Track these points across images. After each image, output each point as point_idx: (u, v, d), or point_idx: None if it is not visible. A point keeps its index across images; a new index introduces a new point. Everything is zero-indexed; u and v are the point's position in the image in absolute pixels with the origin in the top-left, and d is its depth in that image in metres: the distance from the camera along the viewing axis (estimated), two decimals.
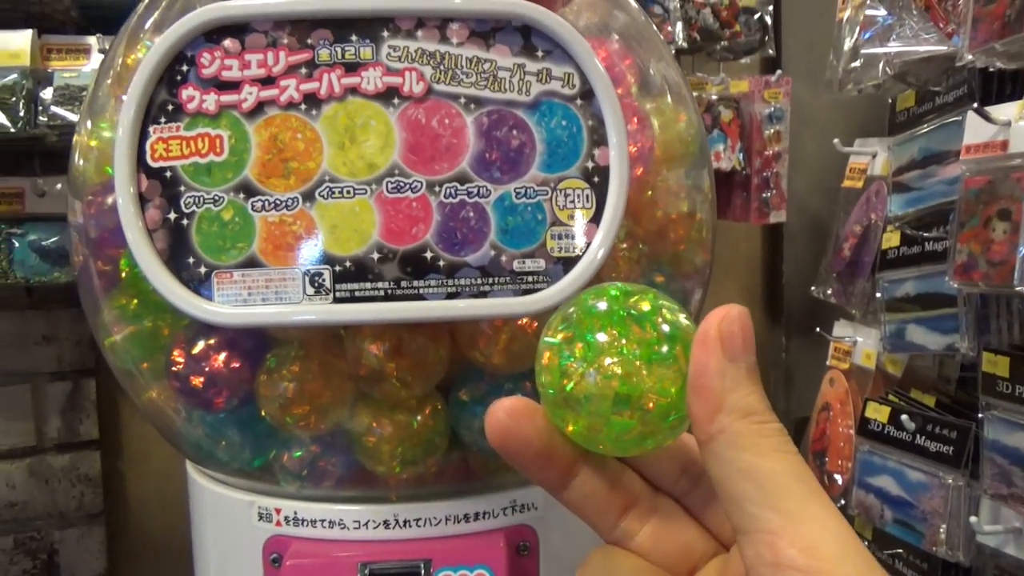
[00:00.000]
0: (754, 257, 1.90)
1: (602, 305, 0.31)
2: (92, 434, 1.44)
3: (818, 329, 1.44)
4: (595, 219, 0.46)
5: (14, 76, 1.19)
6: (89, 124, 0.57)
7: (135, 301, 0.53)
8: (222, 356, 0.50)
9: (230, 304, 0.45)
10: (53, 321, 1.40)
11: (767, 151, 1.60)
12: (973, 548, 1.09)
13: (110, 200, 0.52)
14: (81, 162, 0.57)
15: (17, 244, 1.24)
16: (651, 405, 0.29)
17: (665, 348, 0.29)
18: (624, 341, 0.29)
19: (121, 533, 1.50)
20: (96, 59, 1.27)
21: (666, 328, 0.30)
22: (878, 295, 1.27)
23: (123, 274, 0.53)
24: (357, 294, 0.45)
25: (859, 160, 1.40)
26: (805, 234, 1.78)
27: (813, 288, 1.46)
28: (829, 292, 1.42)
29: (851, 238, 1.36)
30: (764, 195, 1.61)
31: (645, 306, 0.30)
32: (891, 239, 1.25)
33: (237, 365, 0.51)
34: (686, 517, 0.33)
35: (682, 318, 0.30)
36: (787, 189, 1.63)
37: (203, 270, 0.45)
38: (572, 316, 0.31)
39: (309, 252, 0.45)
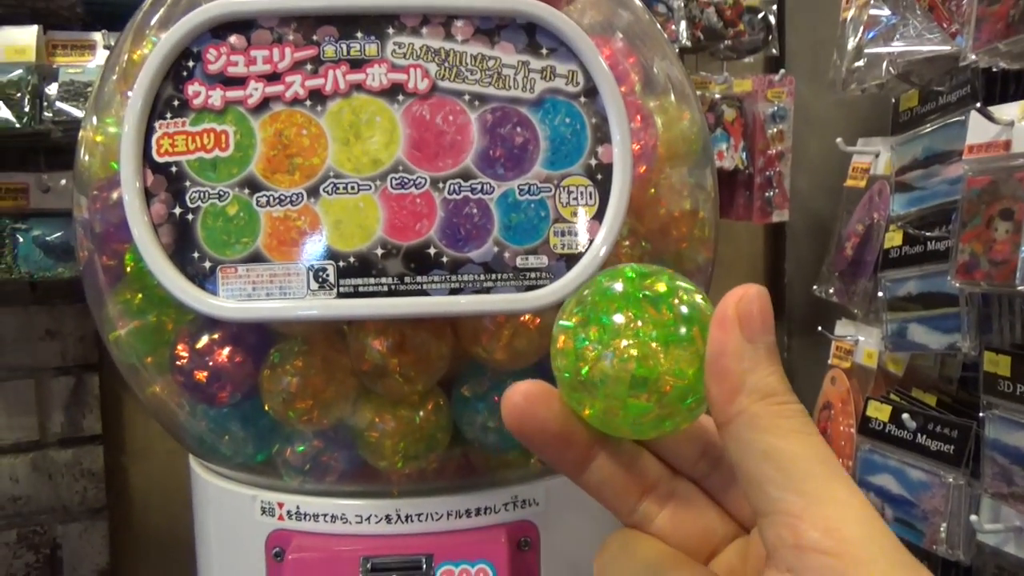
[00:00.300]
0: (757, 256, 1.90)
1: (617, 287, 0.30)
2: (95, 429, 1.44)
3: (820, 328, 1.44)
4: (598, 216, 0.46)
5: (19, 72, 1.19)
6: (95, 120, 0.57)
7: (139, 296, 0.54)
8: (226, 351, 0.51)
9: (234, 299, 0.45)
10: (57, 316, 1.40)
11: (770, 150, 1.60)
12: (973, 547, 1.09)
13: (115, 195, 0.52)
14: (87, 157, 0.57)
15: (21, 239, 1.24)
16: (668, 387, 0.29)
17: (682, 329, 0.29)
18: (640, 323, 0.29)
19: (124, 528, 1.51)
20: (101, 55, 1.27)
21: (683, 309, 0.29)
22: (880, 294, 1.27)
23: (128, 269, 0.53)
24: (361, 289, 0.45)
25: (862, 159, 1.40)
26: (808, 233, 1.78)
27: (815, 287, 1.47)
28: (831, 291, 1.42)
29: (853, 237, 1.37)
30: (767, 194, 1.61)
31: (661, 287, 0.30)
32: (893, 238, 1.26)
33: (241, 360, 0.51)
34: (706, 500, 0.32)
35: (699, 299, 0.30)
36: (790, 188, 1.63)
37: (208, 265, 0.45)
38: (587, 298, 0.30)
39: (313, 247, 0.45)
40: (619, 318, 0.29)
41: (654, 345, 0.29)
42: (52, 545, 1.42)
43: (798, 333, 1.82)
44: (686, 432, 0.32)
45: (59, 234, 1.25)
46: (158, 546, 1.51)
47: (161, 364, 0.55)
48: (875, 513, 0.26)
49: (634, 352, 0.29)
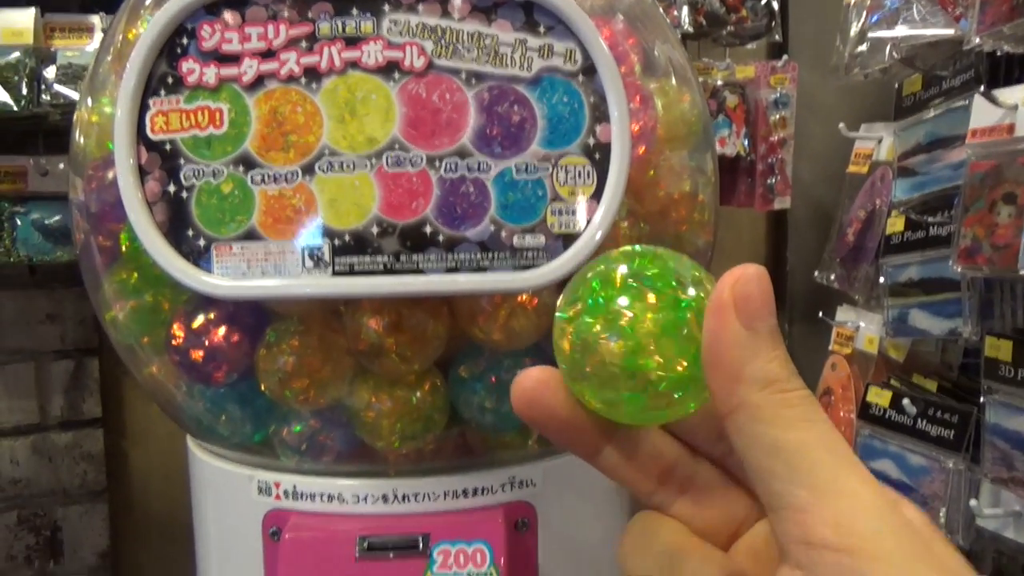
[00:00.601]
0: (758, 243, 1.90)
1: (613, 272, 0.29)
2: (95, 412, 1.44)
3: (821, 314, 1.44)
4: (596, 196, 0.46)
5: (17, 54, 1.19)
6: (90, 100, 0.57)
7: (135, 275, 0.54)
8: (222, 330, 0.51)
9: (229, 277, 0.45)
10: (57, 300, 1.41)
11: (772, 137, 1.60)
12: (973, 532, 1.09)
13: (110, 175, 0.52)
14: (82, 139, 0.57)
15: (20, 222, 1.24)
16: (664, 378, 0.28)
17: (679, 316, 0.28)
18: (635, 312, 0.28)
19: (124, 510, 1.51)
20: (99, 38, 1.27)
21: (680, 294, 0.28)
22: (881, 280, 1.27)
23: (123, 248, 0.53)
24: (356, 268, 0.45)
25: (864, 145, 1.39)
26: (809, 220, 1.78)
27: (816, 273, 1.46)
28: (832, 277, 1.42)
29: (855, 223, 1.36)
30: (769, 181, 1.61)
31: (657, 271, 0.29)
32: (895, 224, 1.25)
33: (236, 339, 0.51)
34: (727, 481, 0.31)
35: (699, 282, 0.29)
36: (792, 175, 1.62)
37: (202, 243, 0.45)
38: (583, 285, 0.30)
39: (308, 226, 0.45)
40: (614, 307, 0.28)
41: (649, 335, 0.28)
42: (52, 527, 1.42)
43: (799, 320, 1.82)
44: (700, 413, 0.30)
45: (57, 217, 1.25)
46: (158, 528, 1.52)
47: (158, 344, 0.54)
48: (889, 501, 0.24)
49: (628, 343, 0.28)
